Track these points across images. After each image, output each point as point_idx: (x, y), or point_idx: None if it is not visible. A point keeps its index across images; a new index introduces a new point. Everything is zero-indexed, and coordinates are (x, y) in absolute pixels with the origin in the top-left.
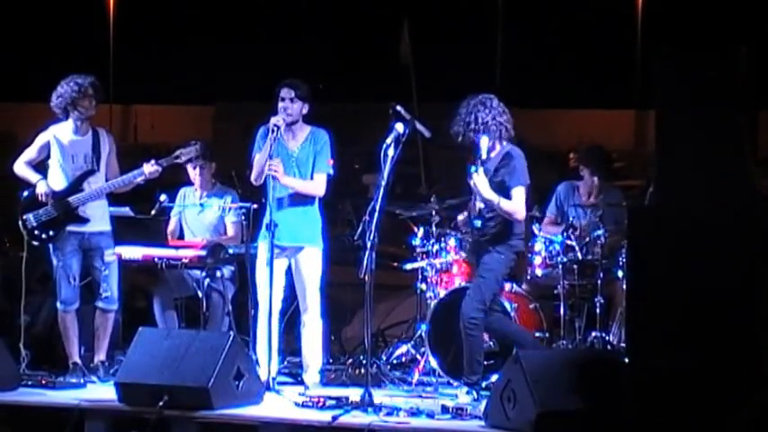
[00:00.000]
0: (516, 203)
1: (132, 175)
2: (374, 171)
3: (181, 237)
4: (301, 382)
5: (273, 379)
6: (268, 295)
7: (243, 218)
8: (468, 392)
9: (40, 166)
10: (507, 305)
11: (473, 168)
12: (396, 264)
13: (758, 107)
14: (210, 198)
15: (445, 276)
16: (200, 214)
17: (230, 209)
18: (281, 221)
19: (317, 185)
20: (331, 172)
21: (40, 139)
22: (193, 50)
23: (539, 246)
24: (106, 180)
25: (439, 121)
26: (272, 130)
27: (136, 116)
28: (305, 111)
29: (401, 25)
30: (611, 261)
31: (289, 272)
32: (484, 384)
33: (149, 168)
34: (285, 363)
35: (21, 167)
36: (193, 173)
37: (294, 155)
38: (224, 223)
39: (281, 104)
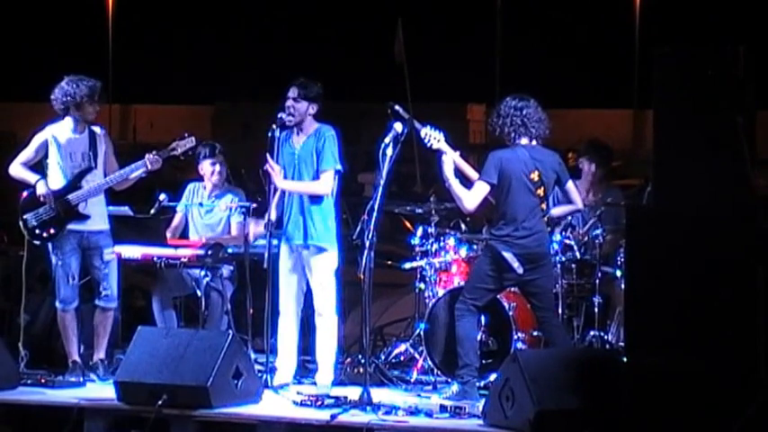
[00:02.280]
0: (467, 193)
1: (130, 169)
2: (371, 170)
3: (185, 232)
4: (300, 381)
5: (287, 385)
6: (281, 296)
7: (243, 217)
8: (452, 383)
9: (37, 167)
10: (506, 305)
11: (444, 153)
12: (390, 262)
13: (756, 107)
14: (219, 198)
15: (444, 276)
16: (207, 214)
17: (237, 208)
18: (293, 221)
19: (321, 184)
20: (339, 167)
21: (37, 140)
22: (193, 51)
23: None
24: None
25: (436, 121)
26: (273, 129)
27: (135, 116)
28: (312, 111)
29: (395, 25)
30: (609, 260)
31: (304, 273)
32: (482, 383)
33: (150, 157)
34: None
35: (17, 169)
36: (210, 169)
37: (296, 152)
38: (229, 223)
39: (286, 103)
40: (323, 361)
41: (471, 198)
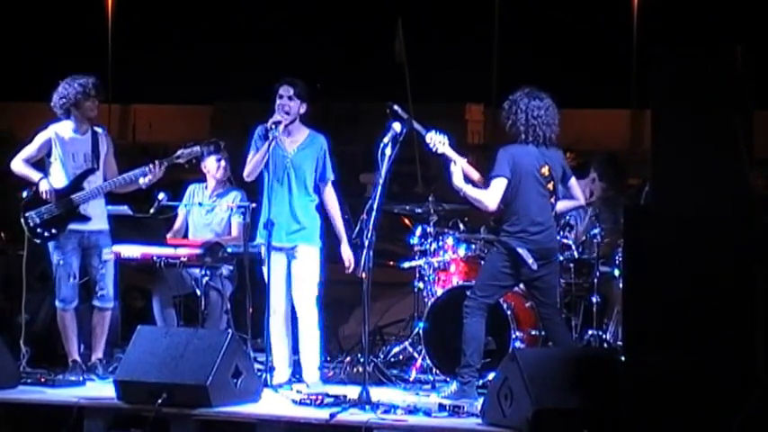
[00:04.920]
0: (485, 193)
1: (133, 174)
2: (372, 170)
3: (185, 235)
4: (299, 380)
5: (285, 383)
6: (270, 295)
7: (241, 217)
8: (451, 382)
9: (39, 165)
10: (504, 304)
11: (452, 162)
12: (392, 262)
13: (755, 107)
14: (221, 198)
15: (443, 275)
16: (208, 214)
17: (237, 208)
18: (277, 221)
19: (335, 199)
20: (332, 177)
21: (41, 138)
22: (192, 50)
23: None
24: (104, 179)
25: (434, 121)
26: (271, 128)
27: (134, 115)
28: (302, 110)
29: (395, 25)
30: (607, 260)
31: (289, 272)
32: (481, 382)
33: (153, 167)
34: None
35: (19, 165)
36: (216, 165)
37: (289, 156)
38: (230, 223)
39: (278, 102)
40: (308, 359)
41: (491, 197)
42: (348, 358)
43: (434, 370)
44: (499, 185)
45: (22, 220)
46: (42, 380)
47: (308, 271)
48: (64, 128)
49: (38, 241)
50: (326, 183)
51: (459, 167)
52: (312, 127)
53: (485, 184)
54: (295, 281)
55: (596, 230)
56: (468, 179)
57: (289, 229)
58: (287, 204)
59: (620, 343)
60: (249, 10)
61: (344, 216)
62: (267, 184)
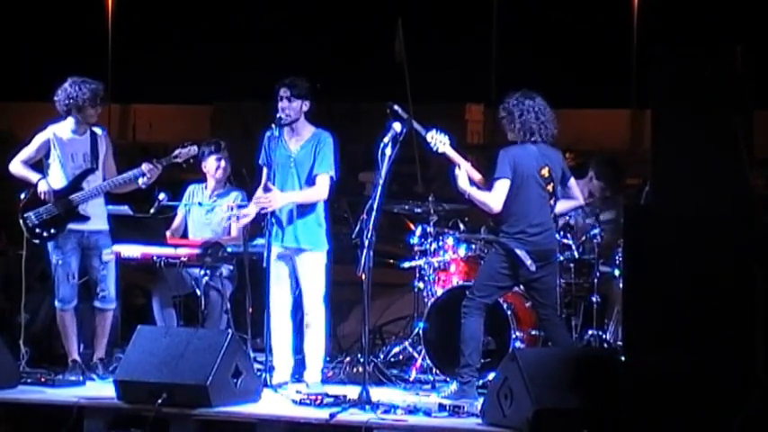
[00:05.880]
0: (490, 195)
1: (132, 174)
2: (372, 169)
3: (184, 235)
4: (299, 380)
5: (285, 383)
6: (272, 295)
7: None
8: (451, 382)
9: (37, 166)
10: (504, 304)
11: (457, 166)
12: (392, 261)
13: (755, 107)
14: (220, 198)
15: (443, 275)
16: (208, 214)
17: (237, 209)
18: (284, 223)
19: (318, 190)
20: (333, 174)
21: (39, 139)
22: (192, 50)
23: None
24: (104, 179)
25: (434, 121)
26: (272, 129)
27: (134, 115)
28: (305, 108)
29: (395, 25)
30: (607, 260)
31: (294, 273)
32: (481, 382)
33: (147, 167)
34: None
35: (17, 167)
36: (215, 164)
37: (293, 156)
38: (230, 223)
39: (279, 104)
40: (312, 359)
41: (495, 199)
42: (348, 358)
43: (434, 370)
44: (502, 187)
45: (21, 221)
46: (42, 380)
47: (313, 275)
48: (62, 128)
49: (37, 241)
50: (319, 175)
51: (464, 171)
52: (319, 125)
53: (486, 185)
54: (302, 282)
55: (596, 230)
56: (471, 181)
57: (295, 231)
58: (293, 205)
59: (620, 343)
60: (249, 10)
61: (344, 215)
62: (274, 185)
